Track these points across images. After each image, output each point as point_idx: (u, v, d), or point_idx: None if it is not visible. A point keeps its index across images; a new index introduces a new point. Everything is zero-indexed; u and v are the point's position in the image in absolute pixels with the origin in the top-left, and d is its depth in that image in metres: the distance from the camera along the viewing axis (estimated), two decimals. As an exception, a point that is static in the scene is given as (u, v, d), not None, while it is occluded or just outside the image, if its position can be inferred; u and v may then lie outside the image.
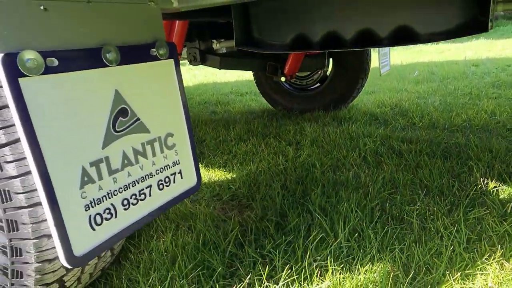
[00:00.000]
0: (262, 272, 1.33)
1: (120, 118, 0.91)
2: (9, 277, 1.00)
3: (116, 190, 0.90)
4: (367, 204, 1.76)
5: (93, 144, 0.84)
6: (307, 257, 1.40)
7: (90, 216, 0.83)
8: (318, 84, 3.91)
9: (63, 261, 0.78)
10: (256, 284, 1.27)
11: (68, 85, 0.78)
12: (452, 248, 1.39)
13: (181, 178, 1.08)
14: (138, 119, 0.95)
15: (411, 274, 1.29)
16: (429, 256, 1.36)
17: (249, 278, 1.31)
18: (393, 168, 2.19)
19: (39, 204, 0.93)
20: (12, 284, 1.02)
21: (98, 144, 0.85)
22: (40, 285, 1.04)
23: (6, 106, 0.86)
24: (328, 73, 3.87)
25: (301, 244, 1.47)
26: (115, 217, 0.89)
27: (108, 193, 0.87)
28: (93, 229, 0.83)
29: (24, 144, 0.70)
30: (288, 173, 2.24)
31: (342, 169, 2.23)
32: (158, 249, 1.51)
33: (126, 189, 0.92)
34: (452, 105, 3.66)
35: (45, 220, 0.94)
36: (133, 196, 0.94)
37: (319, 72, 3.86)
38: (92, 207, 0.84)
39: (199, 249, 1.49)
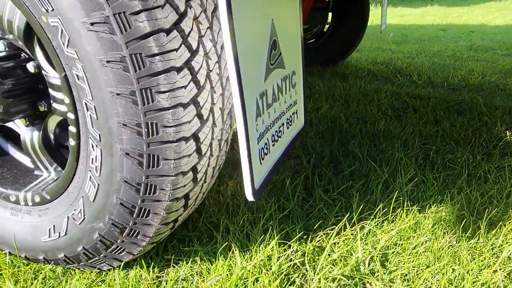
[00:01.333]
0: (339, 211, 1.39)
1: (273, 50, 0.86)
2: (134, 215, 0.96)
3: (269, 125, 0.87)
4: (410, 153, 1.86)
5: (260, 75, 0.80)
6: (376, 198, 1.48)
7: (259, 149, 0.81)
8: (313, 40, 3.90)
9: (249, 194, 0.76)
10: (333, 220, 1.33)
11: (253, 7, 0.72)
12: (507, 192, 1.54)
13: (297, 118, 1.07)
14: (280, 53, 0.91)
15: (474, 213, 1.42)
16: (487, 198, 1.50)
17: (325, 218, 1.37)
18: (414, 121, 2.32)
19: (183, 139, 0.88)
20: (135, 223, 0.98)
21: (262, 76, 0.81)
22: (161, 224, 1.00)
23: (162, 30, 0.78)
24: (325, 29, 3.86)
25: (369, 187, 1.55)
26: (269, 153, 0.87)
27: (266, 128, 0.85)
28: (260, 164, 0.81)
29: (231, 67, 0.65)
30: (315, 124, 2.28)
31: (369, 121, 2.32)
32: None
33: (273, 125, 0.90)
34: (442, 65, 3.85)
35: (185, 156, 0.90)
36: (276, 133, 0.92)
37: (318, 27, 3.84)
38: (260, 140, 0.81)
39: (273, 192, 1.52)
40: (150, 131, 0.85)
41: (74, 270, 1.19)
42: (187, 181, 0.96)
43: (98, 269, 1.15)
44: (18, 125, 1.21)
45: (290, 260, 1.19)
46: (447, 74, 3.43)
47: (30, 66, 1.06)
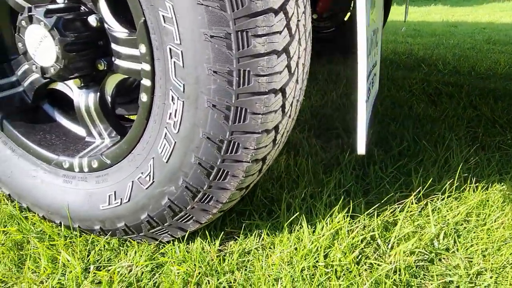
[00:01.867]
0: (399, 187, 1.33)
1: (372, -4, 0.80)
2: (211, 178, 0.89)
3: (370, 70, 0.81)
4: (458, 135, 1.80)
5: (367, 18, 0.73)
6: (436, 176, 1.42)
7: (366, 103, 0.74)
8: (334, 28, 3.84)
9: (361, 149, 0.69)
10: (396, 196, 1.27)
11: None
12: None
13: (377, 79, 1.01)
14: (374, 4, 0.85)
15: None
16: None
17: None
18: (452, 106, 2.26)
19: (273, 91, 0.81)
20: (210, 187, 0.91)
21: (368, 19, 0.74)
22: (237, 189, 0.93)
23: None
24: (346, 18, 3.80)
25: (425, 166, 1.49)
26: (367, 108, 0.80)
27: (368, 80, 0.78)
28: (367, 117, 0.75)
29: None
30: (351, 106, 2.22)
31: (404, 105, 2.26)
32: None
33: (370, 72, 0.83)
34: (464, 56, 3.80)
35: (272, 111, 0.83)
36: (371, 84, 0.86)
37: (339, 15, 3.78)
38: (368, 94, 0.75)
39: (328, 168, 1.46)
40: (242, 80, 0.78)
41: (130, 241, 1.12)
42: (268, 141, 0.89)
43: (157, 240, 1.07)
44: (71, 87, 1.14)
45: (361, 235, 1.13)
46: (473, 64, 3.38)
47: (92, 20, 0.99)
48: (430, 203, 1.27)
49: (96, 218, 1.06)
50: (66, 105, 1.25)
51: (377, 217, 1.19)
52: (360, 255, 1.07)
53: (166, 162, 0.90)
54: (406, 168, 1.50)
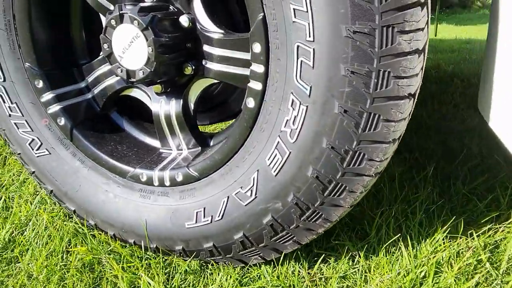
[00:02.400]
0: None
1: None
2: (326, 193, 0.79)
3: None
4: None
5: None
6: None
7: None
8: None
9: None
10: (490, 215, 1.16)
11: None
12: None
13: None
14: None
15: None
16: None
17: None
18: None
19: (409, 96, 0.72)
20: (322, 203, 0.81)
21: None
22: (349, 206, 0.84)
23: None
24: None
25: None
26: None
27: None
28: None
29: None
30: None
31: (456, 119, 2.17)
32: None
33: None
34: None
35: (403, 119, 0.74)
36: None
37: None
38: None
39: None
40: (380, 82, 0.69)
41: (212, 264, 1.01)
42: (391, 152, 0.80)
43: (244, 263, 0.97)
44: (148, 93, 1.05)
45: (467, 258, 1.02)
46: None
47: (184, 20, 0.91)
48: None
49: (179, 237, 0.96)
50: (135, 113, 1.17)
51: (478, 237, 1.09)
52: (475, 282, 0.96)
53: (275, 175, 0.80)
54: (488, 184, 1.41)
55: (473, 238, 1.08)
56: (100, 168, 1.05)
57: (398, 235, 1.04)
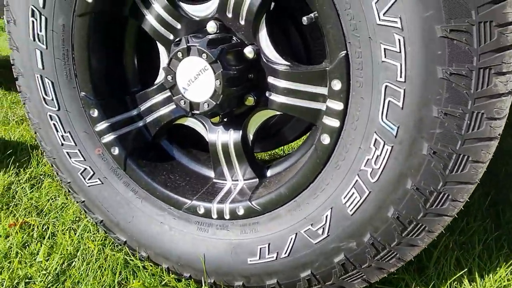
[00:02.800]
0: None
1: None
2: (404, 234, 0.76)
3: None
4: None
5: None
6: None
7: None
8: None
9: None
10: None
11: None
12: None
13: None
14: None
15: None
16: None
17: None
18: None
19: (497, 137, 0.70)
20: (399, 244, 0.78)
21: None
22: (425, 246, 0.81)
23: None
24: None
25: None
26: None
27: None
28: None
29: None
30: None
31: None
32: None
33: None
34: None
35: (487, 160, 0.72)
36: None
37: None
38: None
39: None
40: (473, 124, 0.67)
41: (272, 300, 0.98)
42: (471, 192, 0.77)
43: (303, 300, 0.94)
44: (204, 123, 1.03)
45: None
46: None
47: (249, 51, 0.89)
48: None
49: (239, 273, 0.93)
50: (186, 142, 1.15)
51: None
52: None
53: (352, 214, 0.78)
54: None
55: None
56: (155, 199, 1.03)
57: (462, 272, 1.01)
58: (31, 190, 1.51)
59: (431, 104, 0.66)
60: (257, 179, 1.00)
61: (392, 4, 0.64)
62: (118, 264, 1.08)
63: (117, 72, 1.06)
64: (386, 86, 0.69)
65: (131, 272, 1.07)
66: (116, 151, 1.03)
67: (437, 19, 0.62)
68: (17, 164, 1.67)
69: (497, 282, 1.00)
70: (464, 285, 1.00)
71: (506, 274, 1.02)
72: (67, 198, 1.47)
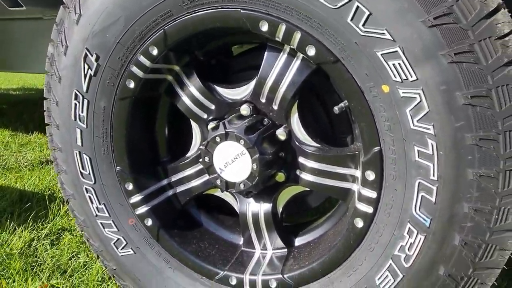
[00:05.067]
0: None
1: None
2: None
3: None
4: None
5: None
6: None
7: None
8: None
9: None
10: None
11: None
12: None
13: None
14: None
15: None
16: None
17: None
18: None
19: (521, 226, 0.76)
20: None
21: None
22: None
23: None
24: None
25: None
26: None
27: None
28: None
29: None
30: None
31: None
32: None
33: None
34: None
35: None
36: None
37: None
38: None
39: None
40: (500, 218, 0.73)
41: None
42: (497, 275, 0.82)
43: None
44: (235, 195, 1.08)
45: None
46: None
47: (281, 132, 0.95)
48: None
49: None
50: (214, 209, 1.19)
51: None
52: None
53: (386, 295, 0.83)
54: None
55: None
56: (186, 269, 1.06)
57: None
58: (51, 247, 1.53)
59: (463, 202, 0.72)
60: (286, 249, 1.05)
61: (426, 114, 0.71)
62: (148, 333, 1.10)
63: (150, 146, 1.11)
64: (419, 182, 0.74)
65: None
66: (149, 222, 1.07)
67: (469, 129, 0.69)
68: (35, 218, 1.69)
69: None
70: None
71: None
72: (88, 256, 1.49)
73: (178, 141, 1.18)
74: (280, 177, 0.99)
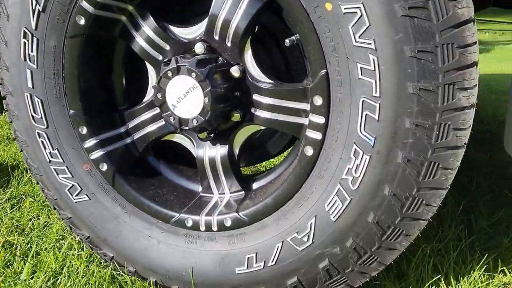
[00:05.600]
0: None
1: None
2: (383, 238, 0.82)
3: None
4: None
5: None
6: None
7: None
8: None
9: None
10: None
11: None
12: None
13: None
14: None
15: None
16: None
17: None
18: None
19: (462, 146, 0.77)
20: (379, 247, 0.83)
21: None
22: (403, 250, 0.86)
23: (472, 20, 0.70)
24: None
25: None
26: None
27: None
28: None
29: None
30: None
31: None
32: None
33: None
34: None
35: (455, 168, 0.78)
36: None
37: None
38: None
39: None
40: (441, 134, 0.74)
41: (258, 310, 1.01)
42: (442, 197, 0.84)
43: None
44: (192, 139, 1.07)
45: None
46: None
47: (235, 70, 0.95)
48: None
49: (228, 283, 0.96)
50: (172, 157, 1.18)
51: (509, 274, 1.13)
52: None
53: (335, 221, 0.83)
54: (507, 219, 1.46)
55: (505, 275, 1.13)
56: (142, 213, 1.05)
57: (440, 276, 1.07)
58: (12, 210, 1.49)
59: (404, 116, 0.73)
60: (243, 192, 1.05)
61: (366, 29, 0.71)
62: (105, 280, 1.08)
63: (106, 91, 1.09)
64: (363, 100, 0.75)
65: (118, 287, 1.07)
66: (104, 167, 1.05)
67: (408, 42, 0.70)
68: (-3, 185, 1.65)
69: (471, 285, 1.07)
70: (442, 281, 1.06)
71: (479, 277, 1.09)
72: (49, 217, 1.46)
73: (138, 91, 1.16)
74: (236, 117, 0.99)
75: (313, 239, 0.86)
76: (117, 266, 1.08)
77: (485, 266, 1.14)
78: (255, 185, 1.07)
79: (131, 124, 1.10)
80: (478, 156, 2.17)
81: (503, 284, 1.09)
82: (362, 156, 0.78)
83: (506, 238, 1.31)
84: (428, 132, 0.73)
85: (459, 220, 1.44)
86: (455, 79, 0.71)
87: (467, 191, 1.69)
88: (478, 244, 1.29)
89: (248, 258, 0.93)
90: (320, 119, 0.82)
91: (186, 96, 0.92)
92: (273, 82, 0.94)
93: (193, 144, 1.07)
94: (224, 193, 1.06)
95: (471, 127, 0.78)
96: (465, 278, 1.09)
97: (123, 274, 1.08)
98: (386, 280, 1.11)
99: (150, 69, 1.04)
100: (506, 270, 1.14)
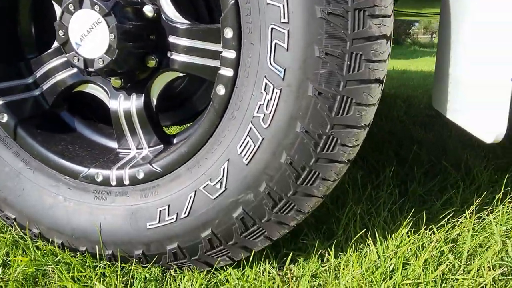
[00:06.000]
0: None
1: None
2: (299, 182, 0.77)
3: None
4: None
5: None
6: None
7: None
8: None
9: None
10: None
11: None
12: None
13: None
14: None
15: None
16: None
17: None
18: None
19: (378, 81, 0.73)
20: (295, 193, 0.78)
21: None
22: (321, 197, 0.82)
23: None
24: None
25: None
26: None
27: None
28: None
29: None
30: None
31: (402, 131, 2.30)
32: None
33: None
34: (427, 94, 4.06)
35: (373, 104, 0.75)
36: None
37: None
38: None
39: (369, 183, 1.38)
40: (353, 65, 0.70)
41: (175, 270, 0.93)
42: (362, 139, 0.80)
43: (210, 266, 0.90)
44: (106, 89, 0.98)
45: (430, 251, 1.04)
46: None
47: (149, 9, 0.87)
48: (486, 217, 1.22)
49: (139, 240, 0.88)
50: (87, 113, 1.08)
51: (438, 232, 1.13)
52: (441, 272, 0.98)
53: (247, 164, 0.77)
54: (440, 186, 1.47)
55: (434, 233, 1.12)
56: (48, 169, 0.95)
57: (364, 230, 1.05)
58: None
59: (313, 44, 0.68)
60: (162, 146, 0.97)
61: None
62: (5, 245, 0.97)
63: (9, 37, 0.98)
64: (272, 28, 0.70)
65: (21, 252, 0.97)
66: (5, 118, 0.94)
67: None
68: None
69: (397, 241, 1.05)
70: (368, 245, 1.03)
71: (407, 232, 1.08)
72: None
73: (49, 40, 1.06)
74: (151, 63, 0.91)
75: (226, 185, 0.80)
76: (21, 230, 0.98)
77: (415, 226, 1.14)
78: (176, 140, 1.00)
79: (39, 73, 1.00)
80: (422, 135, 2.21)
81: (430, 241, 1.08)
82: (273, 91, 0.72)
83: (438, 202, 1.32)
84: (339, 62, 0.69)
85: (395, 185, 1.44)
86: (365, 4, 0.67)
87: (407, 162, 1.71)
88: (410, 206, 1.28)
89: (160, 211, 0.86)
90: (231, 54, 0.76)
91: (90, 33, 0.83)
92: (189, 22, 0.88)
93: (108, 94, 0.98)
94: (142, 148, 0.98)
95: (386, 61, 0.75)
96: (393, 235, 1.08)
97: (27, 239, 0.98)
98: (315, 240, 1.07)
99: (57, 8, 0.94)
100: (435, 230, 1.14)
